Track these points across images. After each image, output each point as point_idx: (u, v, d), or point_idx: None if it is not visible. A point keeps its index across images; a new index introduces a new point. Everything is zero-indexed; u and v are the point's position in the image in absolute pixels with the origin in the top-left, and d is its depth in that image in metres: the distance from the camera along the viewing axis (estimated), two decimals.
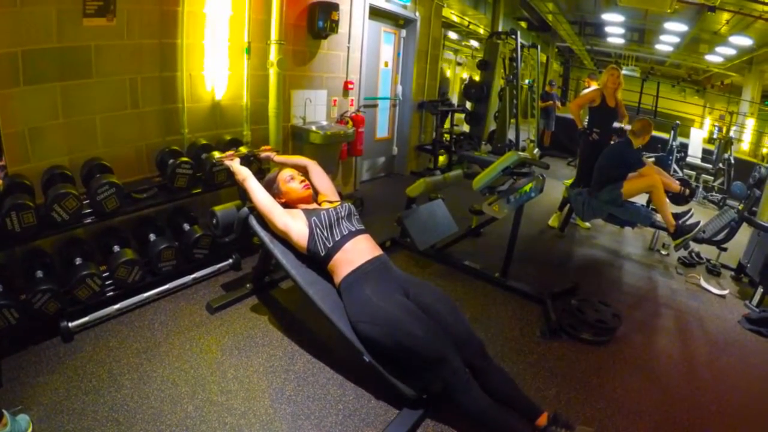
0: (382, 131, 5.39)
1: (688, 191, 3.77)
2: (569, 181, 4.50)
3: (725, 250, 3.62)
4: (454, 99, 8.42)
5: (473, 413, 1.63)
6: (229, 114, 3.16)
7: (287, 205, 2.10)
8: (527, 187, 2.80)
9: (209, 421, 1.68)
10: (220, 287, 2.63)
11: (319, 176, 2.30)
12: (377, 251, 1.99)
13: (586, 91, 4.69)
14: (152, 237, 2.54)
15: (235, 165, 2.16)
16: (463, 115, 6.87)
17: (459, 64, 10.75)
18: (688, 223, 3.29)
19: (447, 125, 6.24)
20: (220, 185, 2.76)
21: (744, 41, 7.70)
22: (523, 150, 6.29)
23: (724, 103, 12.29)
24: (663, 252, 4.05)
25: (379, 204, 4.36)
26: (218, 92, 3.05)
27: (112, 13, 2.37)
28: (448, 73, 9.71)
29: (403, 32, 5.30)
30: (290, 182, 2.14)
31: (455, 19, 7.58)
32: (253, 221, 2.11)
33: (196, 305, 2.42)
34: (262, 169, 2.85)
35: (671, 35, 8.64)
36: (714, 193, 6.39)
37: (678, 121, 6.79)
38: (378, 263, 1.93)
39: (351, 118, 4.30)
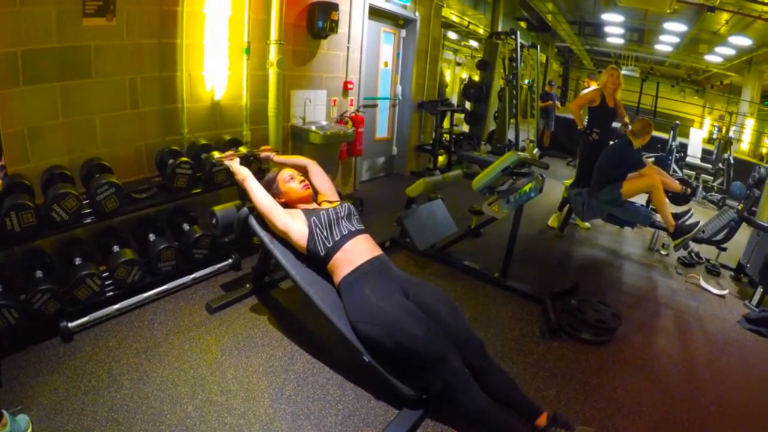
0: (381, 131, 5.39)
1: (689, 190, 3.78)
2: (569, 181, 4.51)
3: (725, 250, 3.62)
4: (453, 99, 8.43)
5: (473, 413, 1.63)
6: (229, 114, 3.16)
7: (287, 205, 2.10)
8: (527, 188, 2.80)
9: (209, 422, 1.68)
10: (220, 287, 2.63)
11: (319, 176, 2.30)
12: (377, 251, 1.99)
13: (586, 91, 4.69)
14: (152, 237, 2.54)
15: (235, 165, 2.16)
16: (462, 115, 6.88)
17: (458, 64, 10.76)
18: (687, 223, 3.29)
19: (446, 125, 6.24)
20: (219, 185, 2.76)
21: (743, 41, 7.72)
22: (523, 150, 6.29)
23: (723, 103, 12.31)
24: (663, 252, 4.06)
25: (379, 204, 4.36)
26: (218, 92, 3.04)
27: (111, 13, 2.37)
28: (447, 74, 9.71)
29: (403, 32, 5.30)
30: (290, 182, 2.14)
31: (455, 19, 7.58)
32: (252, 221, 2.11)
33: (196, 305, 2.42)
34: (261, 169, 2.85)
35: (671, 35, 8.65)
36: (713, 193, 6.39)
37: (677, 121, 6.79)
38: (378, 263, 1.93)
39: (351, 118, 4.30)
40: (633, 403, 2.02)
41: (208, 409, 1.74)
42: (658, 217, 3.43)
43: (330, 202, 2.17)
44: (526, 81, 8.20)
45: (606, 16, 8.22)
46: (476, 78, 7.35)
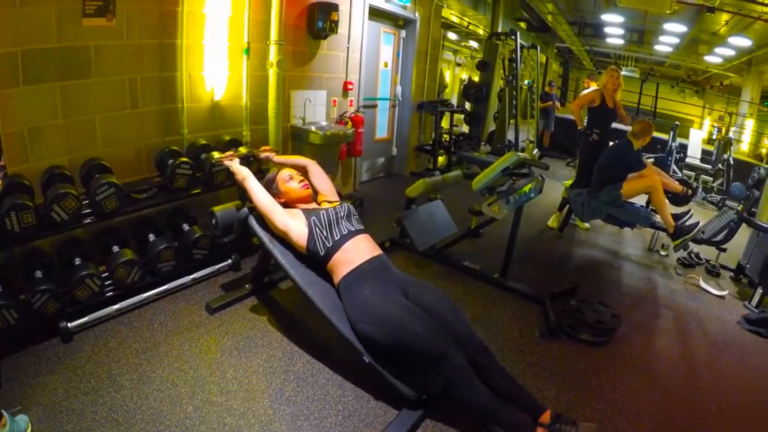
0: (381, 132, 5.39)
1: (689, 191, 3.78)
2: (569, 182, 4.50)
3: (724, 250, 3.63)
4: (453, 100, 8.43)
5: (476, 407, 1.63)
6: (229, 114, 3.16)
7: (287, 205, 2.10)
8: (526, 188, 2.80)
9: (208, 422, 1.68)
10: (220, 288, 2.63)
11: (319, 176, 2.30)
12: (377, 251, 1.99)
13: (586, 91, 4.70)
14: (152, 237, 2.53)
15: (235, 165, 2.16)
16: (462, 116, 6.88)
17: (458, 64, 10.77)
18: (687, 223, 3.29)
19: (446, 125, 6.24)
20: (219, 185, 2.76)
21: (743, 42, 7.72)
22: (523, 150, 6.29)
23: (723, 104, 12.33)
24: (662, 253, 4.06)
25: (379, 204, 4.36)
26: (218, 92, 3.05)
27: (111, 13, 2.37)
28: (447, 75, 9.72)
29: (403, 33, 5.30)
30: (289, 182, 2.14)
31: (455, 19, 7.59)
32: (252, 221, 2.11)
33: (196, 306, 2.42)
34: (261, 170, 2.85)
35: (670, 36, 8.66)
36: (713, 194, 6.39)
37: (677, 122, 6.80)
38: (377, 263, 1.93)
39: (350, 118, 4.30)
40: (633, 404, 2.02)
41: (208, 410, 1.74)
42: (657, 218, 3.43)
43: (330, 202, 2.17)
44: (526, 81, 8.20)
45: (606, 17, 8.23)
46: (476, 78, 7.36)
